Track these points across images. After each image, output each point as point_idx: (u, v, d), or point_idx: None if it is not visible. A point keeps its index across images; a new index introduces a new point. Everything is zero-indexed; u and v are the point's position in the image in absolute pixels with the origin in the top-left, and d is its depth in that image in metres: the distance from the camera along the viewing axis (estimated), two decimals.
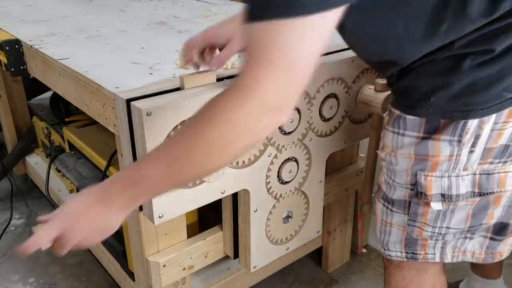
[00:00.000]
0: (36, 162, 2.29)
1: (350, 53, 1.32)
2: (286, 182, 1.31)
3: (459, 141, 0.91)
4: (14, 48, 1.53)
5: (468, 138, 0.90)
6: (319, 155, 1.35)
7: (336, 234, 1.80)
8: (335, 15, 0.64)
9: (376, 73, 1.37)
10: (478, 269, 1.53)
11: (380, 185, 1.10)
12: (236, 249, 1.37)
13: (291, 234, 1.41)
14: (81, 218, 0.74)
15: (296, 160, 1.30)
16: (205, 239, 1.35)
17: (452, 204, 0.97)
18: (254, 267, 1.35)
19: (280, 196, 1.31)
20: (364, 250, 1.97)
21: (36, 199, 2.33)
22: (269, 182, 1.26)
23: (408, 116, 0.94)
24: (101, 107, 1.16)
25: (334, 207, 1.73)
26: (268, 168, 1.24)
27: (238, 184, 1.20)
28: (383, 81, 1.29)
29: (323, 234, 1.75)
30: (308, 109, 1.25)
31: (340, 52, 1.34)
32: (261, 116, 0.66)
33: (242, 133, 0.67)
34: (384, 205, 1.08)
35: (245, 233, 1.31)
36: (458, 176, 0.95)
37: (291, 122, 1.22)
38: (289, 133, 1.24)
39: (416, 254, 1.08)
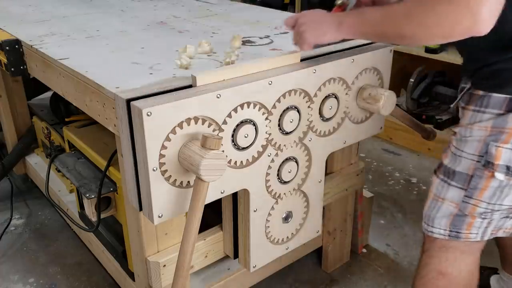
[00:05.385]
0: (36, 162, 2.29)
1: (350, 53, 1.32)
2: (286, 182, 1.31)
3: None
4: (14, 48, 1.53)
5: None
6: (319, 155, 1.35)
7: (336, 234, 1.80)
8: None
9: (376, 73, 1.37)
10: (509, 267, 1.55)
11: (443, 161, 1.17)
12: (236, 249, 1.37)
13: (291, 234, 1.41)
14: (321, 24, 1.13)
15: (296, 160, 1.30)
16: (205, 239, 1.36)
17: None
18: (254, 267, 1.35)
19: (280, 196, 1.31)
20: (364, 250, 1.97)
21: (36, 199, 2.33)
22: (269, 182, 1.26)
23: (494, 95, 1.04)
24: (101, 107, 1.16)
25: (334, 207, 1.73)
26: (268, 168, 1.24)
27: (237, 184, 1.20)
28: None
29: (323, 234, 1.75)
30: (309, 107, 1.25)
31: (340, 52, 1.34)
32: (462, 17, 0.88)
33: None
34: (442, 179, 1.17)
35: (245, 233, 1.31)
36: None
37: (291, 122, 1.23)
38: (289, 133, 1.24)
39: (460, 233, 1.15)
